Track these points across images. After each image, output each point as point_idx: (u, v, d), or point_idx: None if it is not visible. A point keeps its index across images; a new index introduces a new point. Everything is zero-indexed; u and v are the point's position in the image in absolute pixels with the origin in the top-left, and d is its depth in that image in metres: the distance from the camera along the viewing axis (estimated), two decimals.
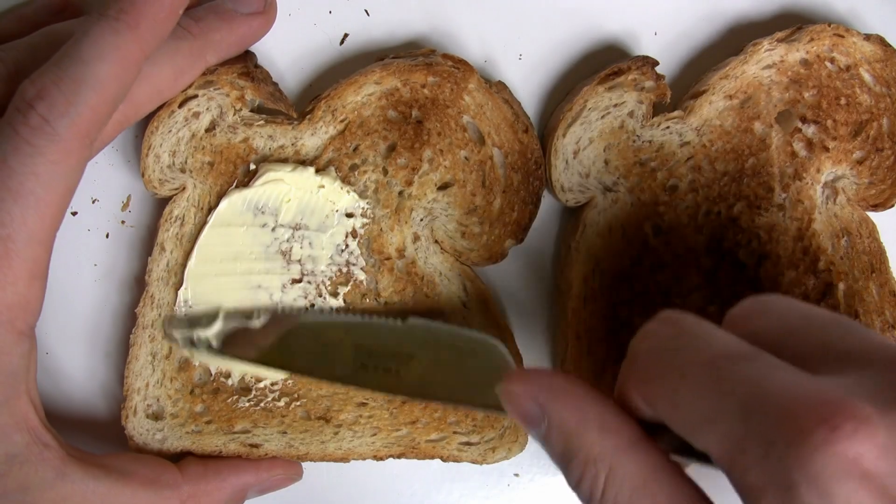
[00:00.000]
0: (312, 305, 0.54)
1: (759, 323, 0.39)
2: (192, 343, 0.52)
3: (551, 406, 0.40)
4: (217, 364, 0.54)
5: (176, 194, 0.55)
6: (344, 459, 0.56)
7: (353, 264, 0.55)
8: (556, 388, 0.41)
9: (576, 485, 0.39)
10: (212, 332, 0.52)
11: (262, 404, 0.55)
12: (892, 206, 0.58)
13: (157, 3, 0.46)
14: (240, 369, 0.54)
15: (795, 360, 0.36)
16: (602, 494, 0.38)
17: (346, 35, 0.58)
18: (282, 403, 0.55)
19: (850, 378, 0.34)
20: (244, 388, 0.55)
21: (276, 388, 0.55)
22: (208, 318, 0.52)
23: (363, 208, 0.55)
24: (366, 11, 0.58)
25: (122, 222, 0.57)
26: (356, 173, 0.55)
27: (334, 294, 0.55)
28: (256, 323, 0.52)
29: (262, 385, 0.55)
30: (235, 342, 0.52)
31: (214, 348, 0.52)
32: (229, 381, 0.54)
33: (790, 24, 0.57)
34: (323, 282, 0.55)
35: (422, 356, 0.49)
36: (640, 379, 0.39)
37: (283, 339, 0.51)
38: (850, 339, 0.37)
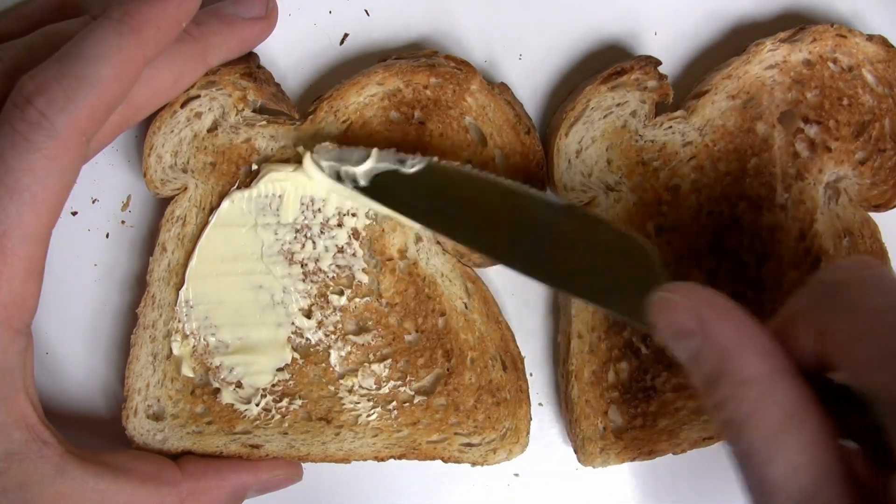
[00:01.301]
0: (313, 306, 0.54)
1: None
2: (338, 176, 0.50)
3: (712, 321, 0.39)
4: (362, 203, 0.52)
5: (178, 194, 0.55)
6: (345, 460, 0.56)
7: (355, 265, 0.55)
8: (719, 304, 0.40)
9: (718, 405, 0.38)
10: (361, 169, 0.50)
11: (262, 405, 0.55)
12: (894, 206, 0.58)
13: (161, 10, 0.46)
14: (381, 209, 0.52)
15: None
16: (748, 418, 0.37)
17: (346, 35, 0.58)
18: (283, 404, 0.55)
19: None
20: (245, 397, 0.55)
21: (277, 389, 0.55)
22: (360, 155, 0.50)
23: (365, 209, 0.55)
24: (366, 11, 0.58)
25: (122, 222, 0.57)
26: None
27: (337, 294, 0.55)
28: (409, 167, 0.49)
29: (263, 387, 0.55)
30: (385, 184, 0.49)
31: (361, 185, 0.50)
32: (231, 387, 0.54)
33: (793, 24, 0.57)
34: (325, 282, 0.54)
35: (576, 246, 0.47)
36: (820, 307, 0.38)
37: (437, 192, 0.49)
38: None
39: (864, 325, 0.36)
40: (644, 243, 0.47)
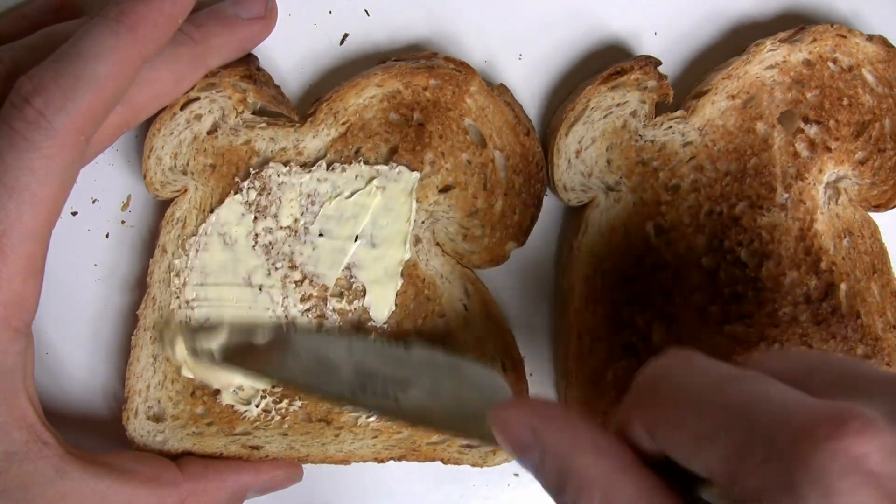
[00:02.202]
0: (313, 308, 0.54)
1: (774, 364, 0.39)
2: (194, 352, 0.51)
3: (545, 431, 0.40)
4: (214, 375, 0.54)
5: (177, 196, 0.55)
6: (345, 461, 0.56)
7: (355, 266, 0.55)
8: (550, 414, 0.40)
9: None
10: (215, 343, 0.51)
11: (262, 406, 0.55)
12: (894, 206, 0.58)
13: (157, 8, 0.46)
14: (237, 380, 0.54)
15: (809, 392, 0.35)
16: None
17: (345, 35, 0.58)
18: (283, 405, 0.55)
19: (859, 400, 0.33)
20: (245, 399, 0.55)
21: (277, 390, 0.55)
22: (211, 330, 0.51)
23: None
24: (366, 11, 0.58)
25: (123, 222, 0.57)
26: None
27: (337, 295, 0.55)
28: (260, 339, 0.51)
29: (263, 389, 0.55)
30: (237, 355, 0.51)
31: (216, 360, 0.51)
32: (231, 389, 0.54)
33: (793, 24, 0.57)
34: (325, 284, 0.54)
35: (421, 384, 0.48)
36: (644, 404, 0.38)
37: (285, 354, 0.50)
38: (863, 371, 0.37)
39: (682, 414, 0.36)
40: (487, 369, 0.48)
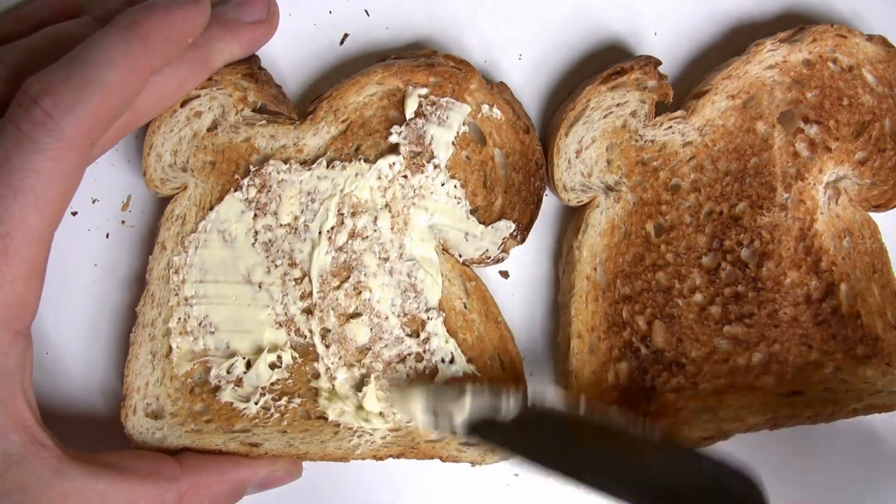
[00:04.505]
0: (314, 305, 0.54)
1: None
2: (434, 419, 0.52)
3: None
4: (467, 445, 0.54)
5: (177, 193, 0.55)
6: (344, 459, 0.55)
7: (354, 265, 0.55)
8: None
9: None
10: (457, 420, 0.51)
11: (261, 403, 0.54)
12: (894, 206, 0.58)
13: (168, 22, 0.46)
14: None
15: None
16: None
17: (345, 35, 0.58)
18: (282, 402, 0.55)
19: None
20: (243, 395, 0.55)
21: (276, 387, 0.55)
22: (452, 395, 0.52)
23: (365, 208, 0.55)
24: (366, 11, 0.58)
25: (123, 222, 0.57)
26: None
27: (336, 293, 0.55)
28: (505, 413, 0.51)
29: (262, 386, 0.54)
30: (480, 428, 0.51)
31: (458, 431, 0.52)
32: (230, 386, 0.54)
33: (793, 24, 0.57)
34: (324, 281, 0.54)
35: (677, 481, 0.48)
36: None
37: (530, 434, 0.50)
38: None
39: None
40: (746, 471, 0.47)
